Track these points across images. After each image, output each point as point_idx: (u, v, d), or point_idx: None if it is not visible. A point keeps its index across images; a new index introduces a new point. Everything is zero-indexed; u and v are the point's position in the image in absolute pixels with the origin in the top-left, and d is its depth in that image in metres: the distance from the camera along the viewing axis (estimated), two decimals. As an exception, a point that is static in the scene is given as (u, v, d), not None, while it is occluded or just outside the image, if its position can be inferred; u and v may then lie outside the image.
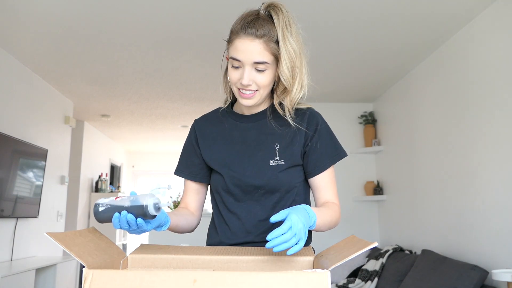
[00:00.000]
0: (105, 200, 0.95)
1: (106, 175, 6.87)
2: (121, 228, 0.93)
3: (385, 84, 4.40)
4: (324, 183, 1.23)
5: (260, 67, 1.13)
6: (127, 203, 0.92)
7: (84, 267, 0.78)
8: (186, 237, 4.50)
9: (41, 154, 4.11)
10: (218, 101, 5.06)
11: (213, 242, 1.27)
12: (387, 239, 4.54)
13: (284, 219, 0.92)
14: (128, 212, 0.92)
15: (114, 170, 7.90)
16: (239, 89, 1.17)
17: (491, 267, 2.71)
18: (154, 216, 0.93)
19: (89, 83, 4.37)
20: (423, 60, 3.71)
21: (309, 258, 0.95)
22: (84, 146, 6.11)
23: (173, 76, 4.18)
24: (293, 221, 0.89)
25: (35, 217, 4.00)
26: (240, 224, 1.22)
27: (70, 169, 5.50)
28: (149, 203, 0.90)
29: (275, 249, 0.87)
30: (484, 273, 2.59)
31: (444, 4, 2.77)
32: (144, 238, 7.84)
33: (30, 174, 3.92)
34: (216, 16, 2.93)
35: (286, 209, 0.96)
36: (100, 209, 0.94)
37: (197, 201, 1.33)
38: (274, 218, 0.93)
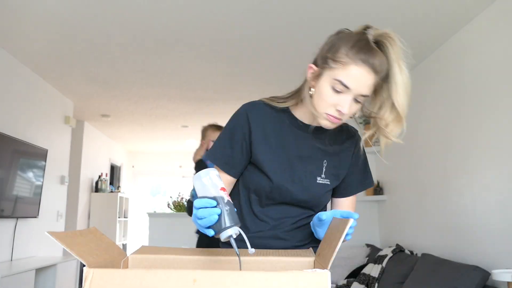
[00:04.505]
0: (211, 191, 0.93)
1: (106, 175, 6.87)
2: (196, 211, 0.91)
3: (385, 84, 4.40)
4: (347, 204, 1.27)
5: (361, 98, 1.07)
6: (224, 218, 0.91)
7: (84, 266, 0.78)
8: (187, 238, 4.50)
9: (41, 154, 4.11)
10: (218, 101, 5.06)
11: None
12: (387, 239, 4.54)
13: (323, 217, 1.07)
14: (209, 226, 0.91)
15: (114, 170, 7.90)
16: (328, 114, 1.09)
17: (492, 268, 2.71)
18: (218, 236, 0.92)
19: (89, 83, 4.38)
20: (423, 60, 3.71)
21: (310, 259, 0.95)
22: (84, 146, 6.11)
23: (173, 76, 4.18)
24: None
25: (35, 217, 4.00)
26: (270, 227, 1.21)
27: (70, 169, 5.50)
28: (231, 233, 0.91)
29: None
30: (486, 274, 2.58)
31: (444, 4, 2.77)
32: (144, 239, 7.85)
33: (30, 174, 3.92)
34: (217, 16, 2.93)
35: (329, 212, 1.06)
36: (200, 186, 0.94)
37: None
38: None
